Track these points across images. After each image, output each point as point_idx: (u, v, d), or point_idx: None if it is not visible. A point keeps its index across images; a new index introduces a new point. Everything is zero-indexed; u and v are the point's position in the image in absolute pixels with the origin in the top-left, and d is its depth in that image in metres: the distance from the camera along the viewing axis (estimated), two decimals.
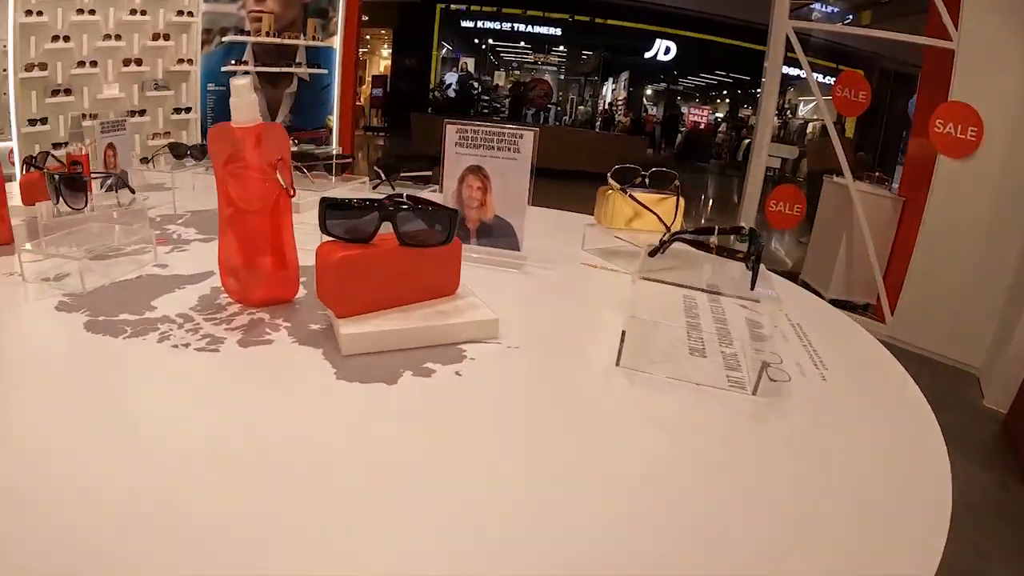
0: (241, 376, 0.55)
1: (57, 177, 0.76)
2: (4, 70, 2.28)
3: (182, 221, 1.02)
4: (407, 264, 0.63)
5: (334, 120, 2.61)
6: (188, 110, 1.97)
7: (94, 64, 1.90)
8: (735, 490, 0.44)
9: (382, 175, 1.11)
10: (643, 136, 8.33)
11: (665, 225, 0.92)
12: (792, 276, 3.46)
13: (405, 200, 0.63)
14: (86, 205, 0.78)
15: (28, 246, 0.73)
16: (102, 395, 0.51)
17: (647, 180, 0.97)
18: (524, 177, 0.85)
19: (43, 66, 1.83)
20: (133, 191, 0.87)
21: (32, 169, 1.02)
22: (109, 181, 0.86)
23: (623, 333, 0.59)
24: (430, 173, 1.15)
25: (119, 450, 0.43)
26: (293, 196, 0.63)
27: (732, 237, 0.72)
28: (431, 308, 0.64)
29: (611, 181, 0.96)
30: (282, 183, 0.62)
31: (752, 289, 0.60)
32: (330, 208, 0.59)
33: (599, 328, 0.72)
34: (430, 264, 0.64)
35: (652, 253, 0.66)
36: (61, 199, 0.79)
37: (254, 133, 0.61)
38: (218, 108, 2.22)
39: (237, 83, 0.61)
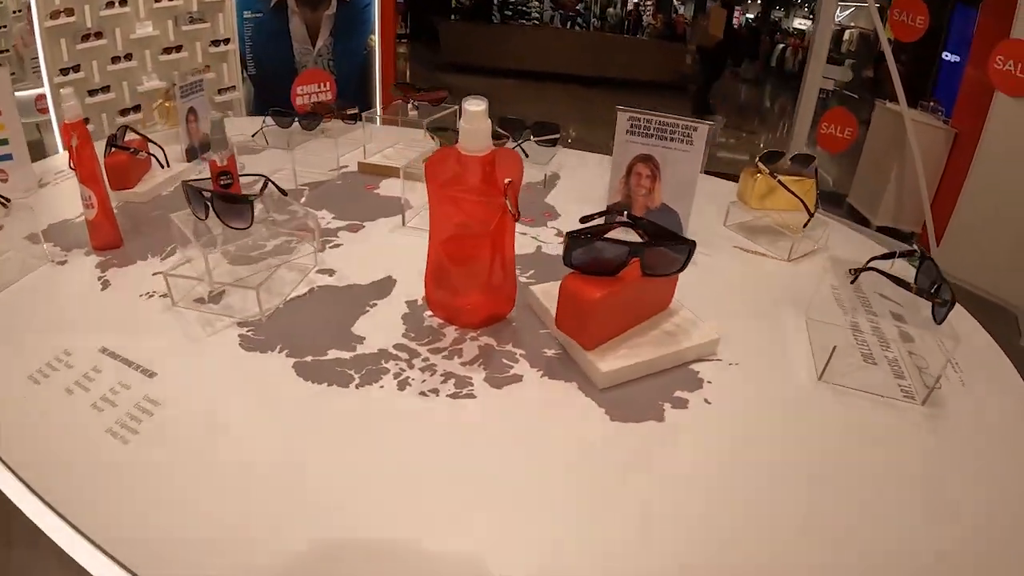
0: (520, 426, 0.55)
1: (208, 196, 0.68)
2: (17, 12, 2.07)
3: (305, 199, 0.99)
4: (643, 290, 0.62)
5: (376, 39, 2.41)
6: (226, 41, 1.81)
7: (124, 3, 1.72)
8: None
9: (510, 138, 1.04)
10: (680, 42, 7.60)
11: (808, 212, 0.90)
12: (839, 198, 3.43)
13: (645, 226, 0.62)
14: (251, 224, 0.70)
15: (193, 271, 0.70)
16: (395, 471, 0.49)
17: (789, 161, 0.96)
18: (695, 167, 0.82)
19: (69, 11, 1.67)
20: (284, 192, 0.81)
21: (114, 149, 0.95)
22: (258, 186, 0.80)
23: (833, 349, 0.61)
24: (557, 136, 1.09)
25: (488, 543, 0.43)
26: (517, 219, 0.61)
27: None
28: (658, 329, 0.65)
29: (760, 165, 0.94)
30: (510, 208, 0.59)
31: (938, 324, 0.63)
32: (576, 242, 0.58)
33: (786, 332, 0.71)
34: (657, 285, 0.63)
35: (852, 281, 0.73)
36: (209, 215, 0.71)
37: (486, 161, 0.58)
38: (256, 36, 2.03)
39: (472, 108, 0.56)
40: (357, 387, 0.57)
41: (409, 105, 1.18)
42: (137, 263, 0.77)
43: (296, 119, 1.13)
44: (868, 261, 0.73)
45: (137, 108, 1.91)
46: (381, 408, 0.55)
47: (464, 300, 0.64)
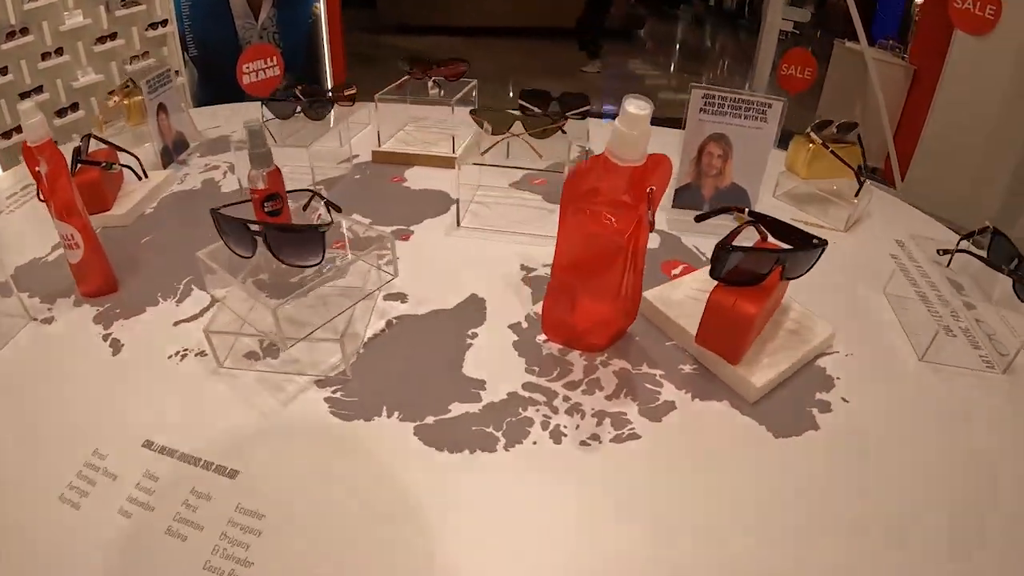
0: (698, 460, 0.48)
1: (261, 230, 0.52)
2: None
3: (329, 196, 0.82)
4: (776, 294, 0.56)
5: (321, 8, 2.15)
6: (164, 23, 1.52)
7: None
8: None
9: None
10: None
11: (859, 179, 0.88)
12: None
13: (768, 222, 0.55)
14: (322, 260, 0.54)
15: (231, 316, 0.55)
16: (606, 537, 0.41)
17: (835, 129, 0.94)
18: (767, 146, 0.76)
19: None
20: (339, 208, 0.65)
21: (81, 164, 0.75)
22: (305, 201, 0.62)
23: (936, 334, 0.60)
24: (588, 108, 0.98)
25: None
26: (652, 230, 0.52)
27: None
28: (783, 330, 0.60)
29: (811, 135, 0.90)
30: (649, 218, 0.50)
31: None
32: (727, 255, 0.50)
33: (870, 310, 0.67)
34: (782, 285, 0.57)
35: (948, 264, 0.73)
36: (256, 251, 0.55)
37: (640, 171, 0.48)
38: (195, 14, 1.74)
39: (635, 112, 0.45)
40: (506, 448, 0.47)
41: (430, 83, 1.02)
42: (146, 311, 0.61)
43: (299, 109, 0.93)
44: (958, 242, 0.74)
45: (75, 107, 1.61)
46: (546, 467, 0.46)
47: (590, 320, 0.55)
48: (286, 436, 0.48)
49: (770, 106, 0.74)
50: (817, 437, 0.50)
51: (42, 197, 0.59)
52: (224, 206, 0.57)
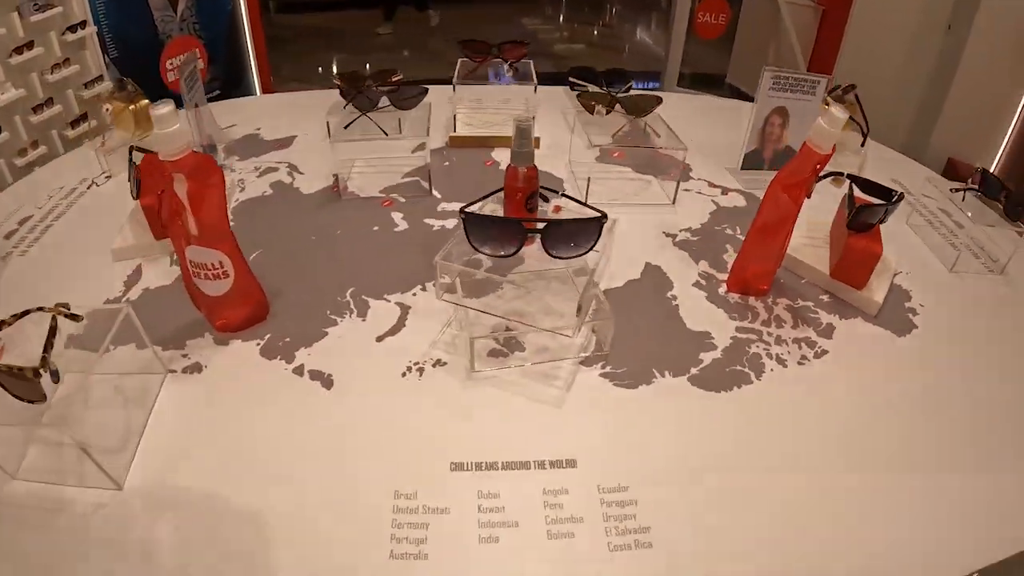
0: (892, 367, 0.65)
1: (536, 227, 0.58)
2: None
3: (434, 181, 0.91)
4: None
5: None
6: (83, 25, 1.30)
7: None
8: None
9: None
10: None
11: (863, 132, 1.09)
12: (719, 79, 3.82)
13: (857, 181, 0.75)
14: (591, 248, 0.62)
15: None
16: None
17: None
18: (814, 113, 0.96)
19: None
20: (555, 191, 0.72)
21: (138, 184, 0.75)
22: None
23: (958, 254, 0.82)
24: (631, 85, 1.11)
25: None
26: (810, 196, 0.69)
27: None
28: None
29: (827, 98, 1.11)
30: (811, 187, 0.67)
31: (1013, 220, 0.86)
32: (862, 210, 0.69)
33: (897, 234, 0.88)
34: None
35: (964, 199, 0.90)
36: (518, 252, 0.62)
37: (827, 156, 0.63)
38: (111, 12, 1.53)
39: (838, 115, 0.59)
40: (758, 378, 0.62)
41: (506, 67, 1.07)
42: (328, 333, 0.65)
43: (384, 102, 0.93)
44: (968, 182, 0.92)
45: None
46: (793, 382, 0.62)
47: (762, 270, 0.72)
48: (590, 416, 0.58)
49: (818, 82, 0.94)
50: (920, 334, 0.70)
51: (165, 222, 0.57)
52: (470, 206, 0.63)
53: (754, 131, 0.96)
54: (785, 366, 0.64)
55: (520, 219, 0.62)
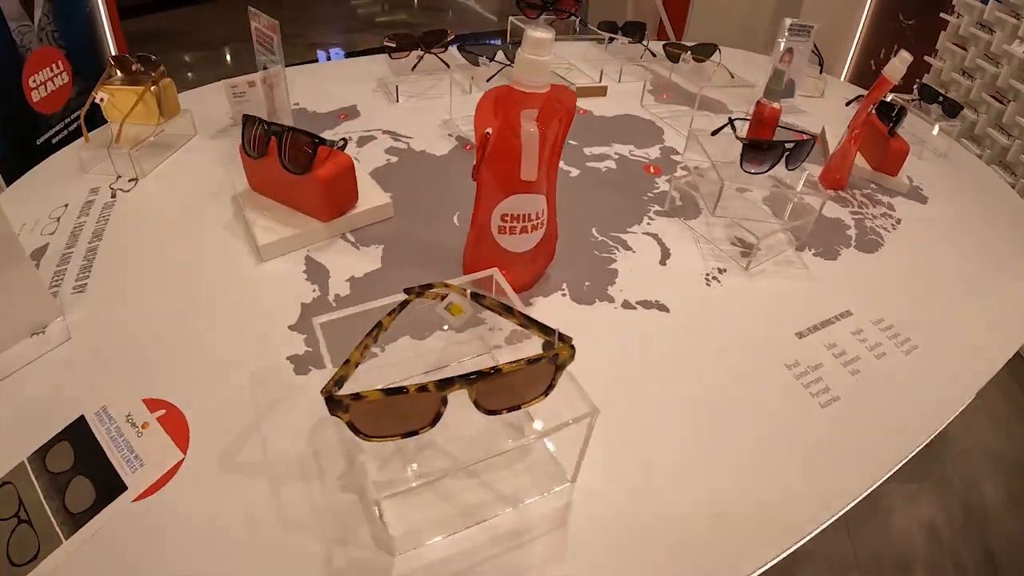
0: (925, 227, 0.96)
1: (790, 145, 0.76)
2: None
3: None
4: None
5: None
6: None
7: None
8: None
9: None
10: None
11: (820, 63, 1.46)
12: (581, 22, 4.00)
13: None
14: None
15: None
16: None
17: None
18: (808, 53, 1.25)
19: None
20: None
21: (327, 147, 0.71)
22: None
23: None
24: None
25: None
26: None
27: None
28: None
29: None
30: None
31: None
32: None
33: None
34: None
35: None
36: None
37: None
38: None
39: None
40: (859, 244, 0.91)
41: (578, 20, 1.15)
42: (628, 268, 0.79)
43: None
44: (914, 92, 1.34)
45: None
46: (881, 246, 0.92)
47: (846, 170, 1.00)
48: None
49: (812, 29, 1.22)
50: (932, 199, 1.06)
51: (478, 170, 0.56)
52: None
53: (775, 69, 1.23)
54: (891, 229, 0.94)
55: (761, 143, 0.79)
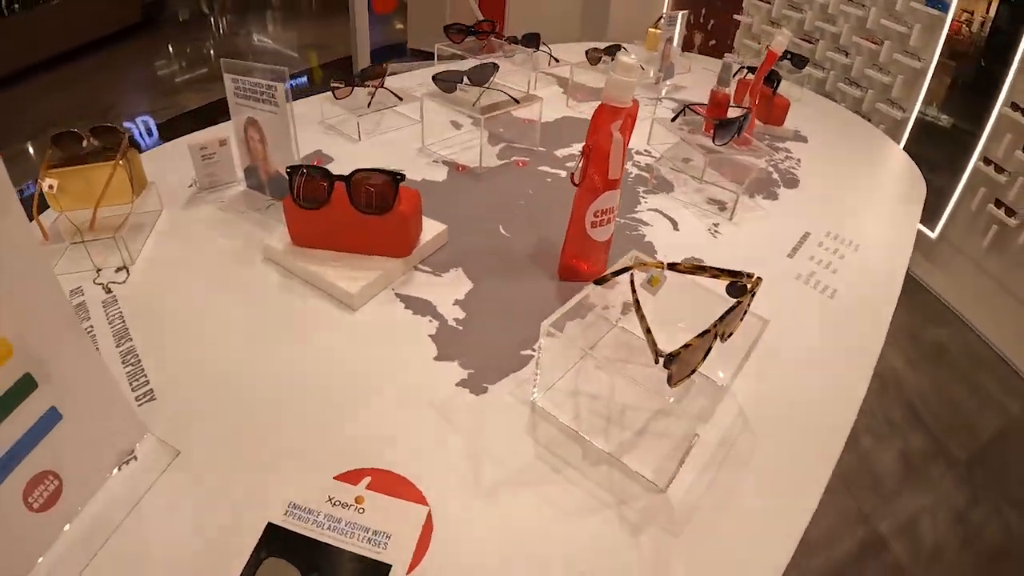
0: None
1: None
2: None
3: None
4: None
5: None
6: None
7: None
8: None
9: None
10: None
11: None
12: (402, 47, 3.94)
13: None
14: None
15: None
16: None
17: None
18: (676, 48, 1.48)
19: None
20: None
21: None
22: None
23: None
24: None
25: None
26: None
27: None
28: None
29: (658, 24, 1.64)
30: None
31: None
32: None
33: None
34: None
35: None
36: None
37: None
38: None
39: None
40: None
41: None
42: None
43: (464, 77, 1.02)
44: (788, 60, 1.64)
45: None
46: None
47: None
48: None
49: (679, 15, 1.46)
50: (811, 140, 1.36)
51: (581, 175, 0.66)
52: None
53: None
54: (797, 167, 1.19)
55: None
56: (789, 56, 1.53)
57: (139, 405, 0.56)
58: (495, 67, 1.10)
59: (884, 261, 0.91)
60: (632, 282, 0.55)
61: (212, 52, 4.31)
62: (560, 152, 1.13)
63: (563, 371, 0.62)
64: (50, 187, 0.79)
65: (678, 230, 0.92)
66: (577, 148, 1.15)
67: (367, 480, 0.50)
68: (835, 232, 0.96)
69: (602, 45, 1.41)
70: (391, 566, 0.44)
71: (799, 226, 0.97)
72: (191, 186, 0.94)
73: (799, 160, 1.22)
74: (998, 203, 2.02)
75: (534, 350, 0.65)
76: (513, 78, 1.34)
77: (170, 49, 4.31)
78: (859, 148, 1.37)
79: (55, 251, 0.76)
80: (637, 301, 0.52)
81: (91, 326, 0.67)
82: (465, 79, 1.06)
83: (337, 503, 0.48)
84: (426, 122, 1.15)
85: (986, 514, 1.37)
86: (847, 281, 0.84)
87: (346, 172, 0.71)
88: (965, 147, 2.15)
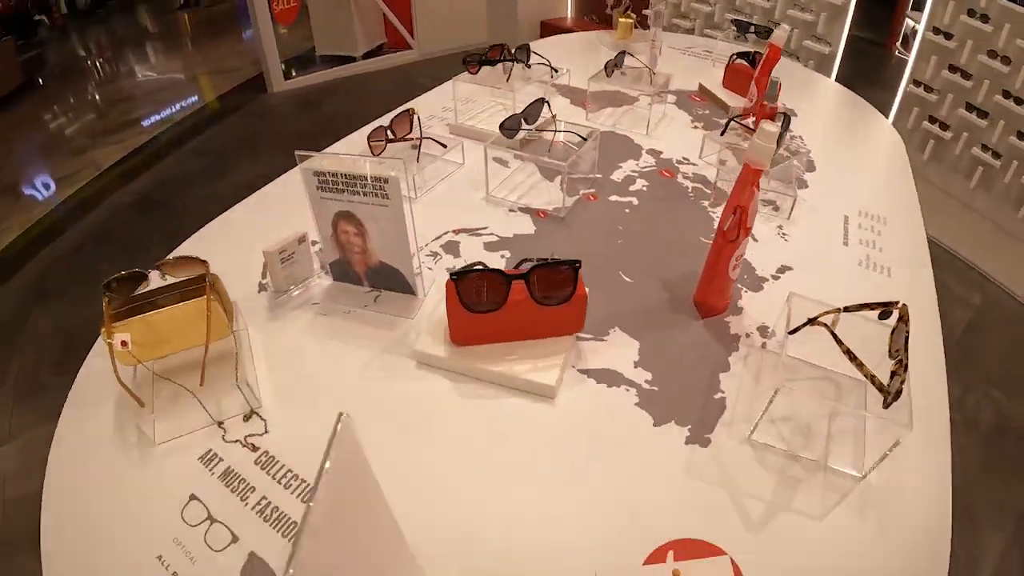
0: None
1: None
2: None
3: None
4: None
5: None
6: None
7: None
8: None
9: None
10: None
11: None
12: (311, 56, 3.74)
13: None
14: None
15: None
16: None
17: None
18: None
19: None
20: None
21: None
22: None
23: None
24: None
25: None
26: None
27: None
28: None
29: (618, 11, 1.70)
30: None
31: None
32: None
33: None
34: None
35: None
36: None
37: None
38: None
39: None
40: None
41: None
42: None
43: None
44: (735, 29, 1.75)
45: None
46: None
47: None
48: None
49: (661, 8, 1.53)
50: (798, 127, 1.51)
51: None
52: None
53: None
54: (804, 144, 1.34)
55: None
56: (752, 28, 1.66)
57: None
58: (543, 102, 1.15)
59: (907, 229, 1.08)
60: (833, 333, 0.67)
61: (99, 99, 3.91)
62: (616, 176, 1.21)
63: (762, 404, 0.74)
64: (123, 343, 0.68)
65: (756, 240, 1.05)
66: (625, 165, 1.23)
67: (671, 554, 0.59)
68: (864, 210, 1.12)
69: (612, 53, 1.45)
70: None
71: (837, 211, 1.12)
72: (261, 291, 0.89)
73: (801, 137, 1.37)
74: (932, 119, 2.31)
75: (723, 391, 0.76)
76: (527, 98, 1.37)
77: (57, 107, 3.88)
78: (836, 111, 1.54)
79: (147, 417, 0.69)
80: (849, 350, 0.65)
81: (265, 500, 0.63)
82: (522, 121, 1.11)
83: None
84: (469, 162, 1.19)
85: (977, 400, 1.67)
86: (895, 258, 1.00)
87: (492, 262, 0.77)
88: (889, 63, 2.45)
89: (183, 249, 0.98)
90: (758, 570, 0.58)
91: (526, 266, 0.74)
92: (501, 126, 1.08)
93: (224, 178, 2.79)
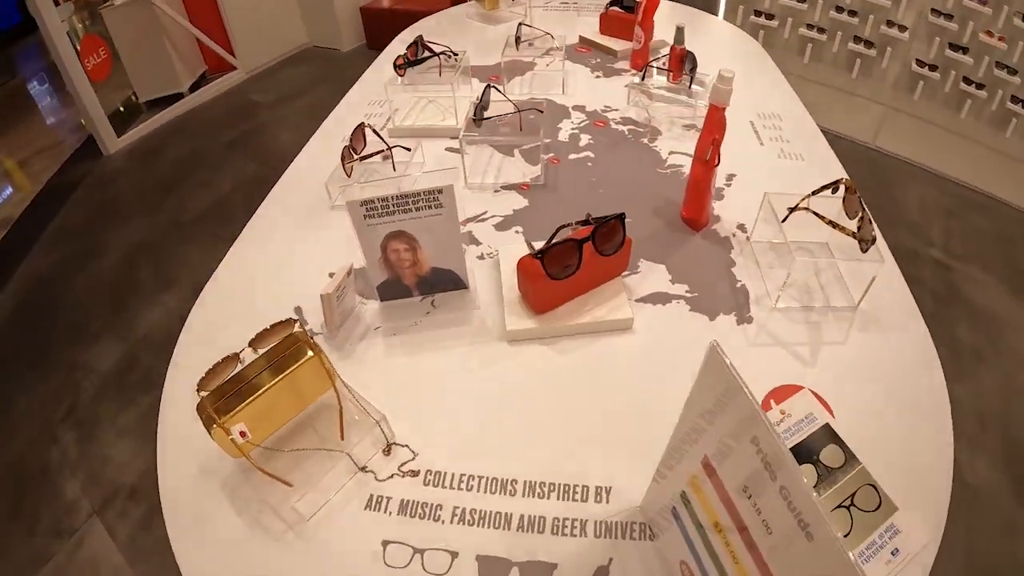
0: None
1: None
2: None
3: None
4: None
5: None
6: None
7: None
8: None
9: None
10: None
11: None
12: (136, 106, 3.31)
13: None
14: None
15: None
16: None
17: None
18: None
19: None
20: None
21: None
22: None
23: None
24: None
25: None
26: None
27: None
28: None
29: None
30: None
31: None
32: None
33: None
34: None
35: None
36: None
37: None
38: None
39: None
40: None
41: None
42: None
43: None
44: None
45: None
46: None
47: None
48: None
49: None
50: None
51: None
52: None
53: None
54: None
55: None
56: None
57: None
58: (491, 87, 1.27)
59: (799, 121, 1.37)
60: (815, 213, 0.89)
61: None
62: (563, 137, 1.35)
63: (770, 281, 0.96)
64: (242, 434, 0.66)
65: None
66: (563, 125, 1.38)
67: (772, 401, 0.79)
68: (760, 112, 1.39)
69: (487, 26, 1.56)
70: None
71: (743, 119, 1.37)
72: (319, 333, 0.89)
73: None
74: (856, 39, 2.72)
75: (740, 280, 0.97)
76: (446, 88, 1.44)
77: None
78: (714, 40, 1.78)
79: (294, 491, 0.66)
80: (831, 221, 0.88)
81: (460, 509, 0.65)
82: (483, 110, 1.22)
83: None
84: (427, 158, 1.27)
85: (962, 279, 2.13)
86: (802, 147, 1.27)
87: (561, 233, 0.86)
88: None
89: (189, 327, 0.94)
90: (826, 391, 0.80)
91: (578, 228, 0.89)
92: (473, 116, 1.18)
93: (106, 255, 2.53)
